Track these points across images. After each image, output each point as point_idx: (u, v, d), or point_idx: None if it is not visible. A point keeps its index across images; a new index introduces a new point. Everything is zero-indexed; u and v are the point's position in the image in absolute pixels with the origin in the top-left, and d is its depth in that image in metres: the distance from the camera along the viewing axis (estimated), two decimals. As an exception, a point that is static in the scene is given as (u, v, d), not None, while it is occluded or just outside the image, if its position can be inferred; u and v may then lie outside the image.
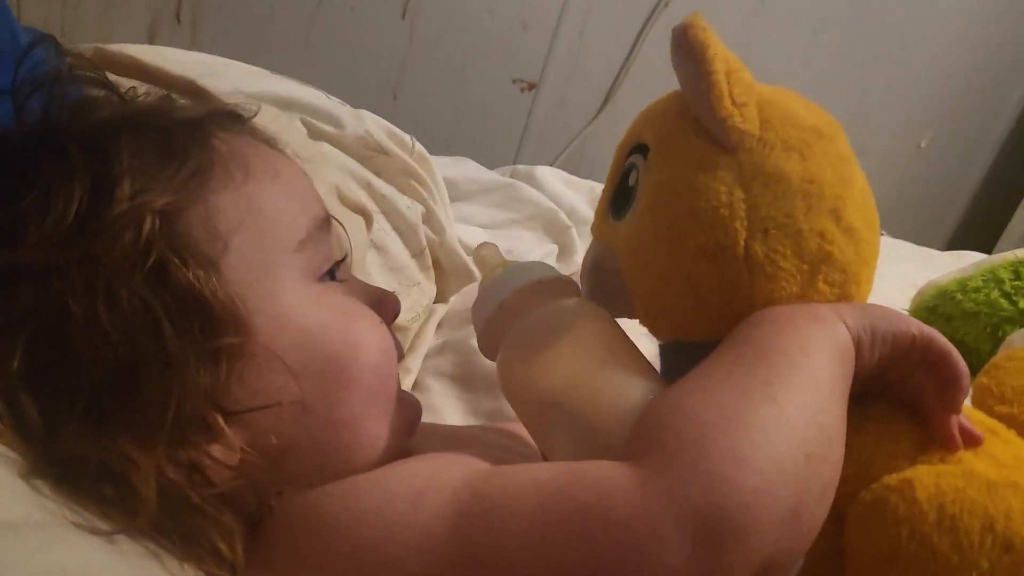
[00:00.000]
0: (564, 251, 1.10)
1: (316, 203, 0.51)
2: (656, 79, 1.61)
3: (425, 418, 0.55)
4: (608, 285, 0.51)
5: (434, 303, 0.95)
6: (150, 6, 1.22)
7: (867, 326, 0.44)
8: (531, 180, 1.24)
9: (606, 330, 0.48)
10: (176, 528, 0.40)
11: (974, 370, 0.48)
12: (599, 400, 0.45)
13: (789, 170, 0.46)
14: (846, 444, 0.40)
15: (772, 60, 1.71)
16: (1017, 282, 0.72)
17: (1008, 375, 0.54)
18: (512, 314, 0.49)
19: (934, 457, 0.43)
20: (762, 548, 0.35)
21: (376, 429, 0.49)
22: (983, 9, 1.83)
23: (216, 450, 0.42)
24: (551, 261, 1.05)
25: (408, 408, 0.52)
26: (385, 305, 0.53)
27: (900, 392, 0.46)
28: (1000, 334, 0.70)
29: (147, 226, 0.42)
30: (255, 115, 0.55)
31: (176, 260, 0.42)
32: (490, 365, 0.58)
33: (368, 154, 0.94)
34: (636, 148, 0.51)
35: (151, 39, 1.22)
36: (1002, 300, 0.71)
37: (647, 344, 0.51)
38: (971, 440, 0.44)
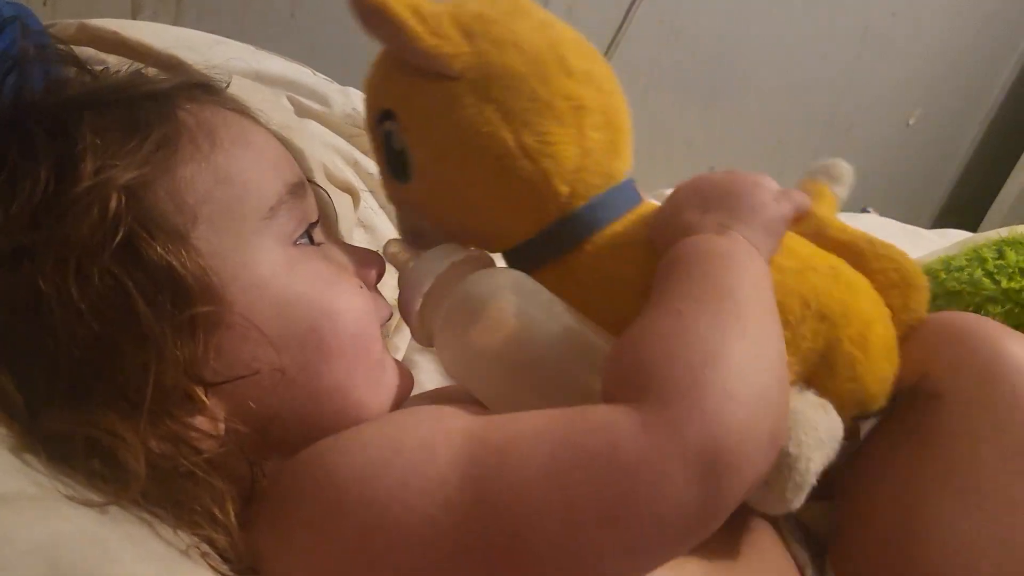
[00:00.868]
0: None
1: (289, 168, 0.51)
2: (644, 59, 1.61)
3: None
4: (433, 243, 0.53)
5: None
6: (134, -20, 1.20)
7: (769, 244, 0.48)
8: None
9: (531, 287, 0.50)
10: (167, 495, 0.40)
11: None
12: (551, 347, 0.47)
13: (511, 62, 0.49)
14: None
15: (759, 37, 1.70)
16: (1000, 261, 0.72)
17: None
18: (438, 300, 0.50)
19: None
20: (752, 474, 0.38)
21: (362, 396, 0.49)
22: (972, -13, 1.83)
23: (200, 422, 0.43)
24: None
25: (399, 377, 0.52)
26: (367, 266, 0.53)
27: None
28: (982, 313, 0.70)
29: (113, 202, 0.42)
30: (227, 85, 0.55)
31: (144, 235, 0.42)
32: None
33: (355, 132, 0.93)
34: (383, 116, 0.53)
35: (135, 14, 1.21)
36: (985, 279, 0.71)
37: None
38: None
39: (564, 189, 0.51)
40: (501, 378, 0.49)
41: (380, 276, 0.55)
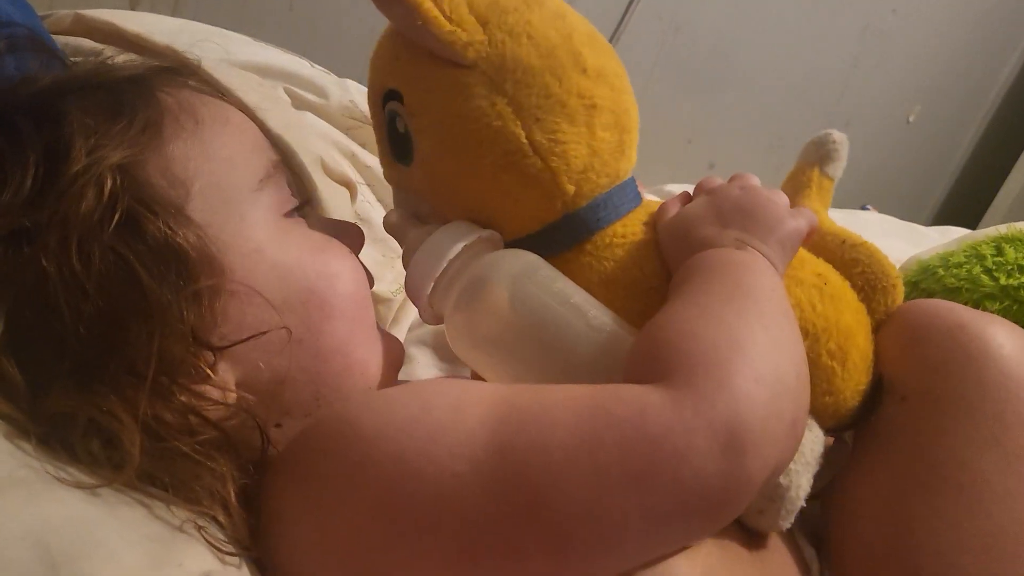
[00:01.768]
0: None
1: (268, 147, 0.53)
2: (644, 55, 1.60)
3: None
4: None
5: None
6: (132, -30, 1.20)
7: (784, 259, 0.49)
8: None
9: (544, 272, 0.50)
10: (167, 476, 0.40)
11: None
12: (562, 333, 0.47)
13: (525, 55, 0.48)
14: None
15: (761, 32, 1.70)
16: (999, 258, 0.72)
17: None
18: (450, 282, 0.50)
19: None
20: (775, 454, 0.39)
21: (365, 355, 0.50)
22: (974, -17, 1.82)
23: (210, 391, 0.43)
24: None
25: (391, 343, 0.54)
26: (348, 235, 0.54)
27: None
28: (981, 309, 0.70)
29: (108, 181, 0.42)
30: (195, 69, 0.56)
31: (143, 211, 0.43)
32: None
33: (353, 124, 0.93)
34: (387, 96, 0.52)
35: (133, 5, 1.20)
36: (983, 276, 0.71)
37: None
38: None
39: (570, 188, 0.50)
40: (512, 362, 0.48)
41: (361, 245, 0.56)
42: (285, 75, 0.92)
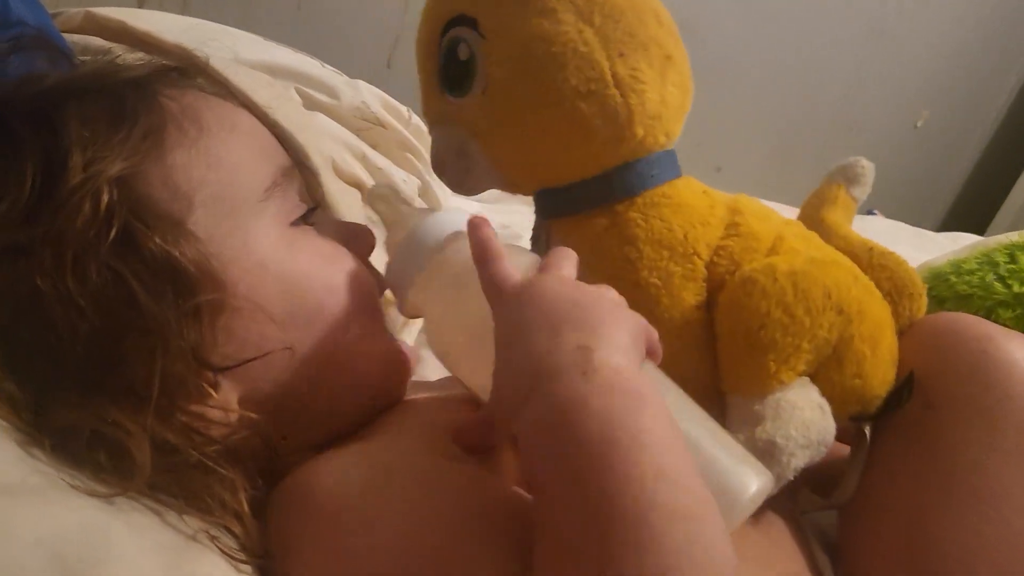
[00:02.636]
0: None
1: (278, 152, 0.51)
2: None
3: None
4: (477, 167, 0.53)
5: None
6: (141, -31, 1.20)
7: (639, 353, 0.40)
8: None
9: (525, 261, 0.48)
10: (177, 486, 0.40)
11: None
12: None
13: None
14: (723, 248, 0.50)
15: (768, 38, 1.69)
16: (1012, 265, 0.72)
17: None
18: (429, 276, 0.49)
19: (780, 250, 0.52)
20: None
21: (373, 368, 0.50)
22: (983, -11, 1.82)
23: (211, 411, 0.42)
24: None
25: (401, 354, 0.53)
26: (358, 240, 0.53)
27: None
28: (993, 317, 0.69)
29: (105, 195, 0.41)
30: (204, 68, 0.55)
31: (140, 226, 0.41)
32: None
33: (364, 125, 0.93)
34: (455, 21, 0.51)
35: (141, 3, 1.20)
36: (996, 283, 0.71)
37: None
38: None
39: (639, 132, 0.50)
40: (490, 360, 0.48)
41: (371, 249, 0.55)
42: (296, 75, 0.92)
